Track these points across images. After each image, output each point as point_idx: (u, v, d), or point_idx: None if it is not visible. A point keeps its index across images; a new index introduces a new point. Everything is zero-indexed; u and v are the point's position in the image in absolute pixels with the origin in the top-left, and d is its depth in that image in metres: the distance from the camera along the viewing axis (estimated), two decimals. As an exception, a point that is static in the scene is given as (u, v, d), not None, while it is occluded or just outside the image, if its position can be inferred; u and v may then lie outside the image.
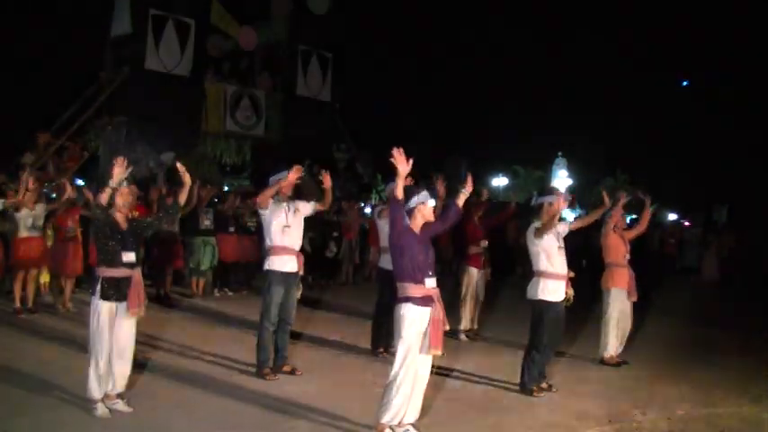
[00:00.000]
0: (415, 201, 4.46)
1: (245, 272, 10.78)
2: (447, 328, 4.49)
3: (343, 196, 14.65)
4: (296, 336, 6.96)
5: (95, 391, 4.62)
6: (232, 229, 10.36)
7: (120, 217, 4.79)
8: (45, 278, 8.85)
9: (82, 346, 6.47)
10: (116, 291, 4.66)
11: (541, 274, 5.66)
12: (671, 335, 8.70)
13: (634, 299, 6.99)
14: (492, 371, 6.37)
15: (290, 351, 6.14)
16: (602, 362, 6.91)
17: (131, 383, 4.96)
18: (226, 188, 15.58)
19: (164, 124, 14.09)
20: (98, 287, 4.65)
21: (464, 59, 38.06)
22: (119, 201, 4.76)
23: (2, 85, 22.13)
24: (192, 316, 8.46)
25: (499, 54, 37.10)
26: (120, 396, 4.77)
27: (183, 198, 5.20)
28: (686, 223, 22.89)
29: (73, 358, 6.10)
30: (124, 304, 4.68)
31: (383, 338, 6.69)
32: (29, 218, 7.84)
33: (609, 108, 35.15)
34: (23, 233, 7.83)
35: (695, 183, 30.43)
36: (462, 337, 7.74)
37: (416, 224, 4.47)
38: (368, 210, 15.91)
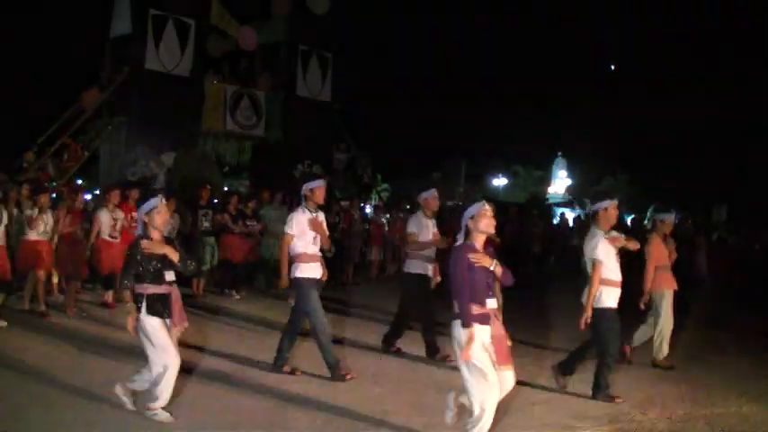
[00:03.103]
0: (465, 216, 4.33)
1: (247, 271, 10.82)
2: (510, 343, 4.37)
3: (344, 197, 14.65)
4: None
5: (165, 399, 4.62)
6: (237, 230, 10.35)
7: (157, 236, 4.71)
8: (56, 278, 8.85)
9: (84, 346, 6.50)
10: (162, 307, 4.63)
11: (601, 281, 5.55)
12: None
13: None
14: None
15: (291, 350, 6.14)
16: (656, 365, 6.90)
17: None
18: (225, 188, 15.57)
19: (164, 124, 14.13)
20: (144, 304, 4.58)
21: (464, 59, 38.10)
22: (157, 220, 4.68)
23: (2, 85, 22.15)
24: (193, 316, 8.42)
25: (499, 54, 37.14)
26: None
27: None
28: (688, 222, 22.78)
29: (75, 358, 6.11)
30: (167, 321, 4.66)
31: (397, 337, 6.97)
32: (39, 223, 7.80)
33: (609, 108, 35.15)
34: (32, 236, 7.79)
35: (695, 183, 30.42)
36: None
37: (476, 240, 4.30)
38: (368, 210, 15.93)
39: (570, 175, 39.49)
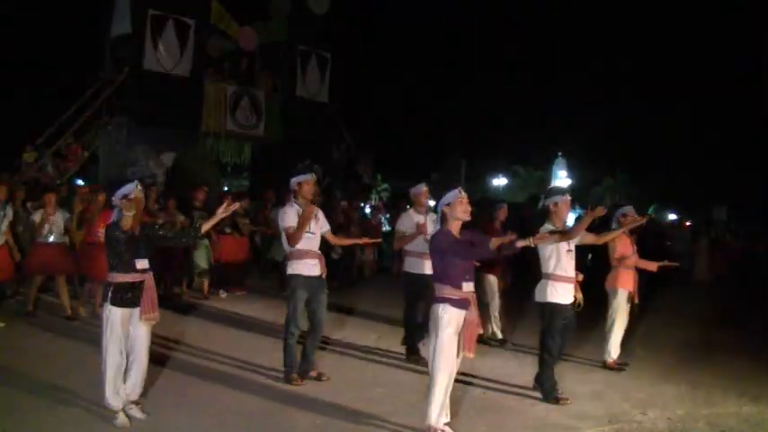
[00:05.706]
0: (441, 203, 4.52)
1: (241, 271, 10.80)
2: (481, 332, 4.57)
3: (344, 197, 14.63)
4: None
5: (113, 400, 4.51)
6: (228, 230, 10.31)
7: (132, 222, 4.60)
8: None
9: (84, 346, 6.50)
10: (129, 296, 4.53)
11: (550, 276, 5.54)
12: (670, 335, 8.69)
13: (635, 301, 6.86)
14: (491, 372, 6.34)
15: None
16: (607, 366, 6.74)
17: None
18: (225, 188, 15.54)
19: (164, 124, 14.11)
20: (110, 293, 4.53)
21: (464, 60, 38.11)
22: (126, 206, 4.55)
23: (2, 85, 22.16)
24: (191, 317, 8.45)
25: (499, 54, 37.16)
26: (135, 402, 4.65)
27: (206, 228, 5.01)
28: (687, 223, 22.84)
29: (75, 358, 6.10)
30: (137, 310, 4.56)
31: (415, 343, 6.74)
32: (45, 224, 7.66)
33: (609, 108, 35.18)
34: (42, 238, 7.67)
35: (695, 183, 30.45)
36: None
37: (452, 226, 4.48)
38: (368, 210, 15.93)
39: (570, 175, 39.53)
